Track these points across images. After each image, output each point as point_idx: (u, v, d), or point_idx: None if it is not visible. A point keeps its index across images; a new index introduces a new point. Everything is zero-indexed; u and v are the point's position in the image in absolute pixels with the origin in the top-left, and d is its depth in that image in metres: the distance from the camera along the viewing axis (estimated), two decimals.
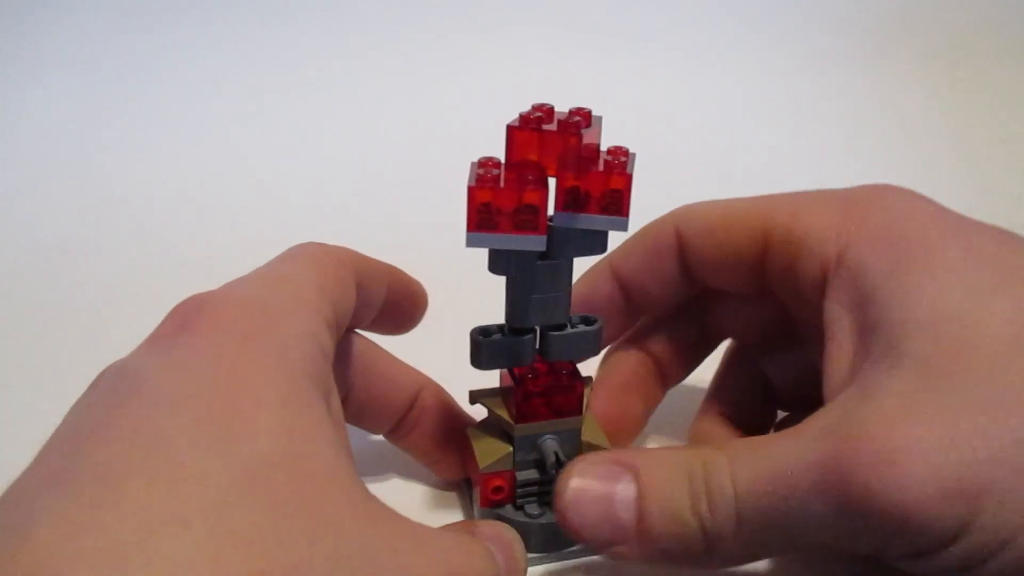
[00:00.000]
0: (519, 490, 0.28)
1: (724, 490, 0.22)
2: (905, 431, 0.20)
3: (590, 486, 0.24)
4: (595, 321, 0.27)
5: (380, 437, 0.31)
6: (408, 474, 0.32)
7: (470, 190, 0.22)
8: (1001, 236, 0.24)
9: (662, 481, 0.23)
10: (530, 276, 0.25)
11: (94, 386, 0.20)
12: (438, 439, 0.30)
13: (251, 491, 0.17)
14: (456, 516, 0.30)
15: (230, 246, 0.52)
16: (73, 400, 0.20)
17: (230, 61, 0.71)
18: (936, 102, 0.72)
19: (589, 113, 0.23)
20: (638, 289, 0.30)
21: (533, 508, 0.28)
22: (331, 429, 0.20)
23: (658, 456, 0.24)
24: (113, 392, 0.19)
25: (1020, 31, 0.77)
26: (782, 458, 0.21)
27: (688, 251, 0.29)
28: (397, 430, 0.30)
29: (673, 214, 0.29)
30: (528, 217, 0.23)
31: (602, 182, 0.23)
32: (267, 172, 0.62)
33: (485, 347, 0.26)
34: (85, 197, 0.59)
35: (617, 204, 0.23)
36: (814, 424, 0.22)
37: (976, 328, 0.21)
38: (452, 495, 0.31)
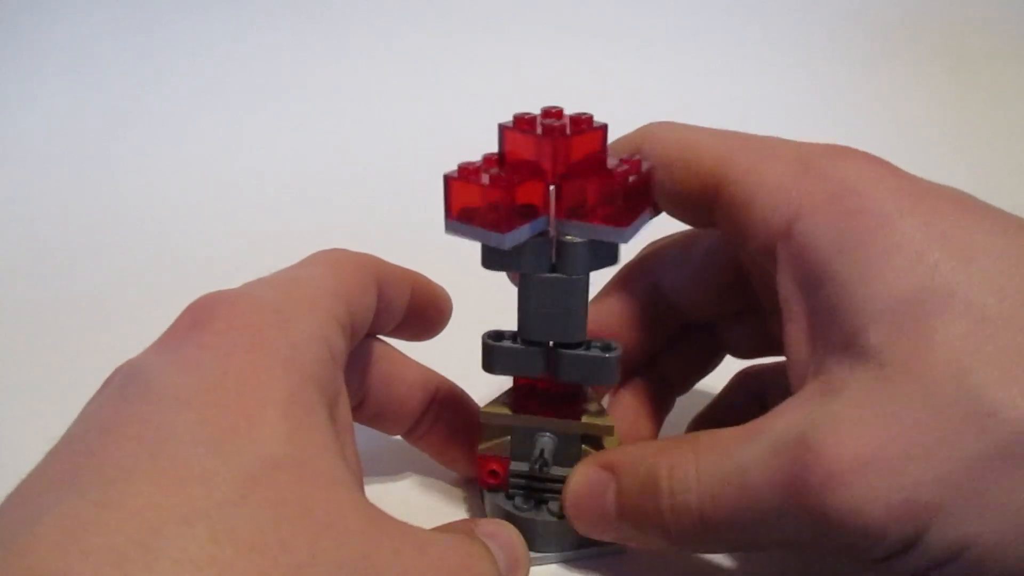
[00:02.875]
0: (511, 479, 0.28)
1: (689, 502, 0.23)
2: (857, 448, 0.20)
3: (584, 491, 0.25)
4: (614, 348, 0.26)
5: (395, 436, 0.31)
6: (422, 471, 0.32)
7: (447, 180, 0.23)
8: (960, 206, 0.23)
9: (634, 486, 0.24)
10: (538, 286, 0.25)
11: (107, 384, 0.21)
12: (455, 438, 0.30)
13: (254, 493, 0.17)
14: (469, 513, 0.31)
15: (237, 246, 0.52)
16: (75, 399, 0.20)
17: (236, 61, 0.71)
18: (936, 102, 0.73)
19: (590, 119, 0.24)
20: None
21: (520, 501, 0.28)
22: (333, 434, 0.20)
23: (631, 458, 0.25)
24: (122, 391, 0.19)
25: (1020, 31, 0.77)
26: (745, 465, 0.22)
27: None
28: (414, 431, 0.30)
29: (639, 133, 0.27)
30: (495, 214, 0.23)
31: (601, 189, 0.23)
32: (273, 173, 0.63)
33: (495, 352, 0.27)
34: (88, 197, 0.59)
35: (619, 213, 0.23)
36: (776, 423, 0.22)
37: (938, 317, 0.20)
38: (466, 493, 0.32)
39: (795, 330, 0.23)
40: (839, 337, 0.22)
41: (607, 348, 0.26)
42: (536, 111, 0.24)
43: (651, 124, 0.27)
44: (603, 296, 0.31)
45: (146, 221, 0.57)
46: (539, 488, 0.28)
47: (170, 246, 0.53)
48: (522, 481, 0.28)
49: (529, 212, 0.24)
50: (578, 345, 0.26)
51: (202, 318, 0.20)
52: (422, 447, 0.31)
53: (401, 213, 0.55)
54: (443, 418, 0.30)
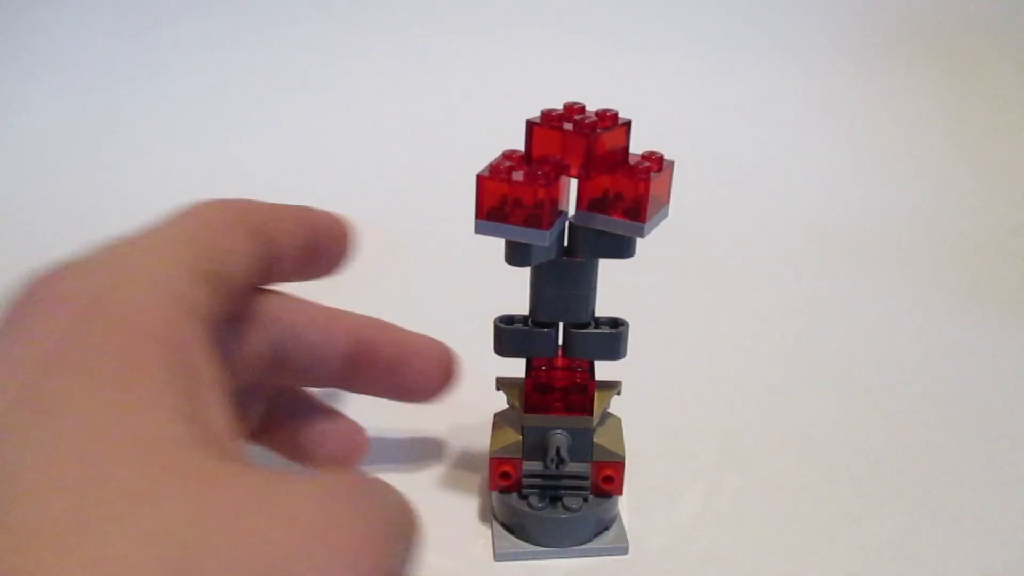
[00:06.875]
0: (524, 480, 0.29)
1: None
2: None
3: None
4: (622, 324, 0.27)
5: (401, 424, 0.31)
6: (423, 458, 0.33)
7: (479, 179, 0.23)
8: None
9: None
10: (551, 271, 0.26)
11: None
12: (398, 371, 0.29)
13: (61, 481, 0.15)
14: (474, 497, 0.31)
15: None
16: None
17: (236, 60, 0.71)
18: (936, 102, 0.73)
19: (615, 115, 0.24)
20: None
21: (535, 500, 0.28)
22: (169, 396, 0.17)
23: None
24: None
25: (1020, 31, 0.78)
26: None
27: None
28: (354, 377, 0.28)
29: None
30: (535, 212, 0.23)
31: (624, 186, 0.23)
32: (274, 171, 0.63)
33: (505, 335, 0.27)
34: (87, 195, 0.59)
35: (636, 210, 0.23)
36: None
37: None
38: (472, 475, 0.32)
39: None
40: None
41: (615, 324, 0.27)
42: (548, 107, 0.25)
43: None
44: None
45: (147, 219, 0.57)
46: (553, 485, 0.28)
47: None
48: (536, 480, 0.29)
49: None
50: (587, 324, 0.27)
51: (23, 303, 0.19)
52: (371, 392, 0.30)
53: (405, 211, 0.56)
54: (379, 356, 0.28)
